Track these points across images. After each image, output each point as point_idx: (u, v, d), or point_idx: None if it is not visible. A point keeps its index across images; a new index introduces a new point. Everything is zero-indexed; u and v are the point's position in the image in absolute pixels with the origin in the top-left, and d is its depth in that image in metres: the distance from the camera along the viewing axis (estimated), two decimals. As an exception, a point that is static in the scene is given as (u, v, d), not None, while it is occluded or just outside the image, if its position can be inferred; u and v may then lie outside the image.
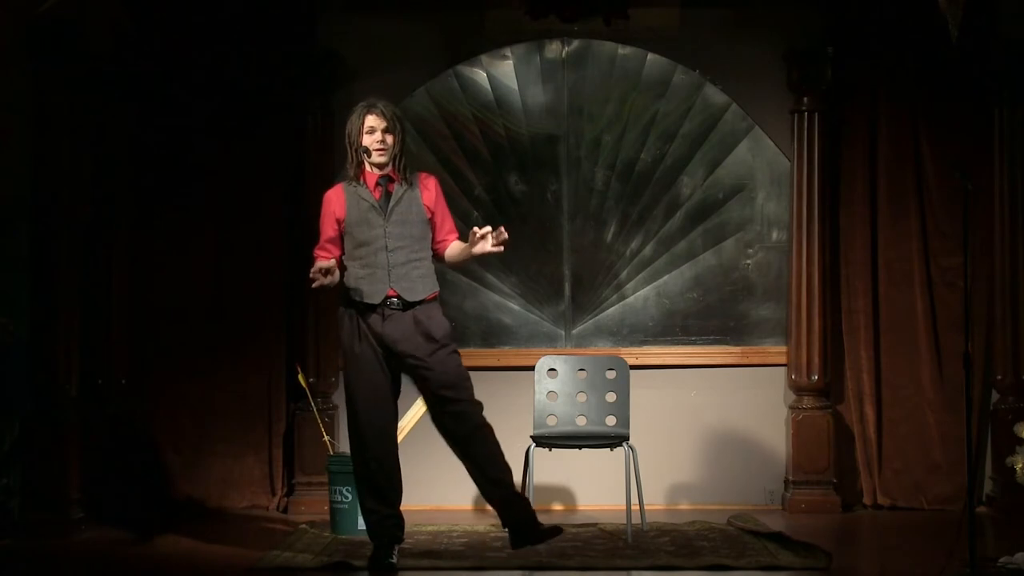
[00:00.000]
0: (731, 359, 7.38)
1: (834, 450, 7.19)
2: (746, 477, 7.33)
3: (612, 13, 6.92)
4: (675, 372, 7.36)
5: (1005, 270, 7.09)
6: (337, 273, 5.63)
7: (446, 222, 5.70)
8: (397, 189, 5.61)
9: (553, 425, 6.59)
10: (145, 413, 7.23)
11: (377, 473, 5.60)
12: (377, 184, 5.61)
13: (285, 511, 7.17)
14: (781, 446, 7.33)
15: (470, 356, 5.69)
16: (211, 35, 7.19)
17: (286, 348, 7.25)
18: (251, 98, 7.23)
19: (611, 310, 7.42)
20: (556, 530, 5.61)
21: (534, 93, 7.40)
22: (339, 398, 7.23)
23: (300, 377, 6.81)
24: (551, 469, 7.09)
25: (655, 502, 7.08)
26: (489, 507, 5.85)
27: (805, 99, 7.22)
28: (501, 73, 7.41)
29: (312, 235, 7.15)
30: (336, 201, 5.66)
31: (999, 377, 7.13)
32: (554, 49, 7.40)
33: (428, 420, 5.75)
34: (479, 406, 5.60)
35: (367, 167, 5.63)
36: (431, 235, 5.67)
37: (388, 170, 5.62)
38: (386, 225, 5.56)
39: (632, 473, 6.32)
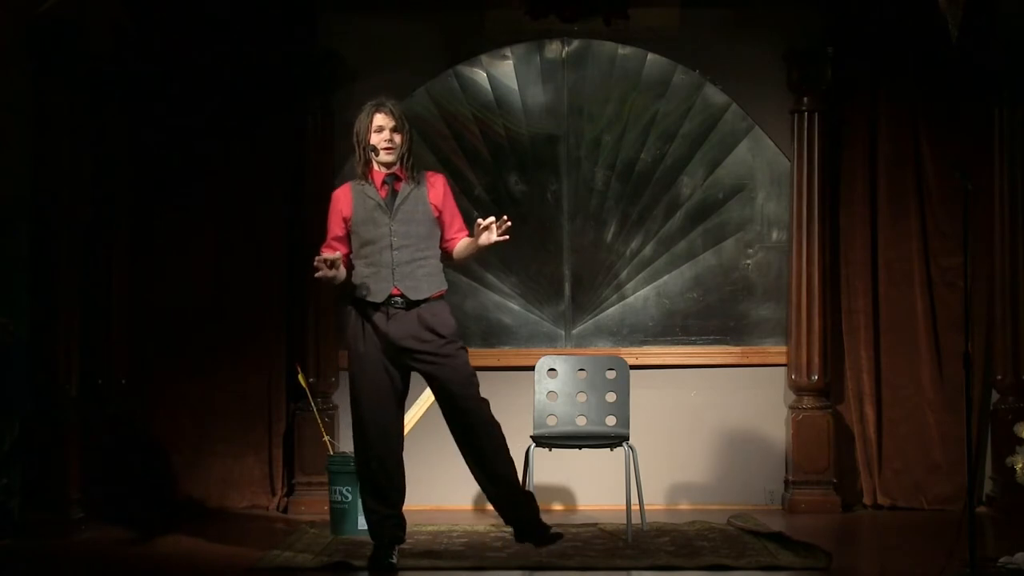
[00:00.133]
0: (731, 359, 7.38)
1: (834, 450, 7.19)
2: (746, 477, 7.33)
3: (612, 13, 6.92)
4: (675, 372, 7.36)
5: (1005, 270, 7.08)
6: (343, 269, 5.62)
7: (455, 220, 5.69)
8: (404, 188, 5.60)
9: (553, 425, 6.58)
10: (145, 413, 7.23)
11: (378, 472, 5.60)
12: (384, 183, 5.60)
13: (285, 511, 7.17)
14: (781, 446, 7.33)
15: (470, 356, 5.67)
16: (211, 35, 7.19)
17: (286, 348, 7.25)
18: (251, 98, 7.23)
19: (611, 310, 7.42)
20: (556, 536, 5.60)
21: (534, 93, 7.40)
22: (339, 398, 7.25)
23: (300, 377, 6.81)
24: (551, 469, 7.09)
25: (655, 502, 7.08)
26: (490, 507, 5.85)
27: (805, 99, 7.22)
28: (501, 73, 7.41)
29: (312, 235, 7.20)
30: (343, 200, 5.67)
31: (999, 377, 7.13)
32: (554, 49, 7.40)
33: (432, 419, 5.74)
34: (485, 403, 5.60)
35: (375, 166, 5.63)
36: (439, 234, 5.66)
37: (395, 169, 5.61)
38: (391, 223, 5.55)
39: (632, 473, 6.32)
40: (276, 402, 7.26)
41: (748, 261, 7.42)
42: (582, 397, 6.67)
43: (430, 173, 5.75)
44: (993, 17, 7.02)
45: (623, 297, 7.42)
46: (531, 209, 7.36)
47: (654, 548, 6.01)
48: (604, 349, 7.34)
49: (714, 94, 7.37)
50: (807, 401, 7.22)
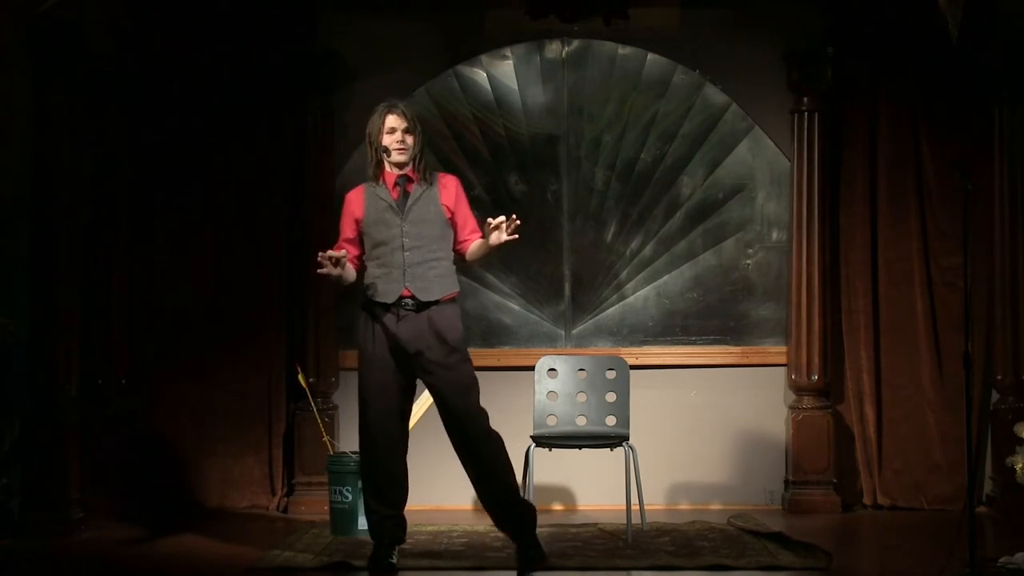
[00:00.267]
0: (731, 359, 7.38)
1: (834, 450, 7.19)
2: (746, 477, 7.33)
3: (612, 13, 6.92)
4: (675, 372, 7.36)
5: (1005, 270, 7.08)
6: (350, 269, 5.60)
7: (468, 222, 5.65)
8: (416, 189, 5.58)
9: (553, 425, 6.58)
10: (145, 413, 7.23)
11: (382, 473, 5.59)
12: (396, 184, 5.59)
13: (285, 511, 7.17)
14: (781, 446, 7.33)
15: (471, 356, 5.66)
16: (211, 35, 7.19)
17: (286, 348, 7.25)
18: (251, 98, 7.23)
19: (611, 310, 7.42)
20: (541, 557, 5.53)
21: (534, 93, 7.40)
22: (339, 398, 7.26)
23: (300, 377, 6.81)
24: (551, 469, 7.09)
25: (655, 502, 7.08)
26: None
27: (805, 99, 7.22)
28: (501, 73, 7.41)
29: (312, 235, 7.21)
30: (356, 201, 5.65)
31: (999, 377, 7.13)
32: (554, 49, 7.40)
33: (432, 419, 5.73)
34: (483, 415, 5.55)
35: (387, 167, 5.61)
36: (452, 235, 5.64)
37: (407, 170, 5.59)
38: (403, 224, 5.53)
39: (632, 473, 6.31)
40: (276, 402, 7.26)
41: (748, 261, 7.42)
42: (582, 397, 6.67)
43: (442, 174, 5.72)
44: (993, 17, 7.02)
45: (623, 297, 7.42)
46: (531, 209, 7.35)
47: (654, 548, 6.01)
48: (604, 349, 7.34)
49: (714, 94, 7.37)
50: (807, 401, 7.22)
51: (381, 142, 5.58)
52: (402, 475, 5.64)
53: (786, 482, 7.28)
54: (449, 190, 5.62)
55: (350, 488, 6.41)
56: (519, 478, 5.85)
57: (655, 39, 7.35)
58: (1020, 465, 6.20)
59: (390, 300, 5.52)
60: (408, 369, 5.56)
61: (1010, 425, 6.49)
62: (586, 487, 7.29)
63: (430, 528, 6.52)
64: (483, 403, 5.60)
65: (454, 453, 5.64)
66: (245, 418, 7.24)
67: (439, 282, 5.55)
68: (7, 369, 6.48)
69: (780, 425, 7.33)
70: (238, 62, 7.20)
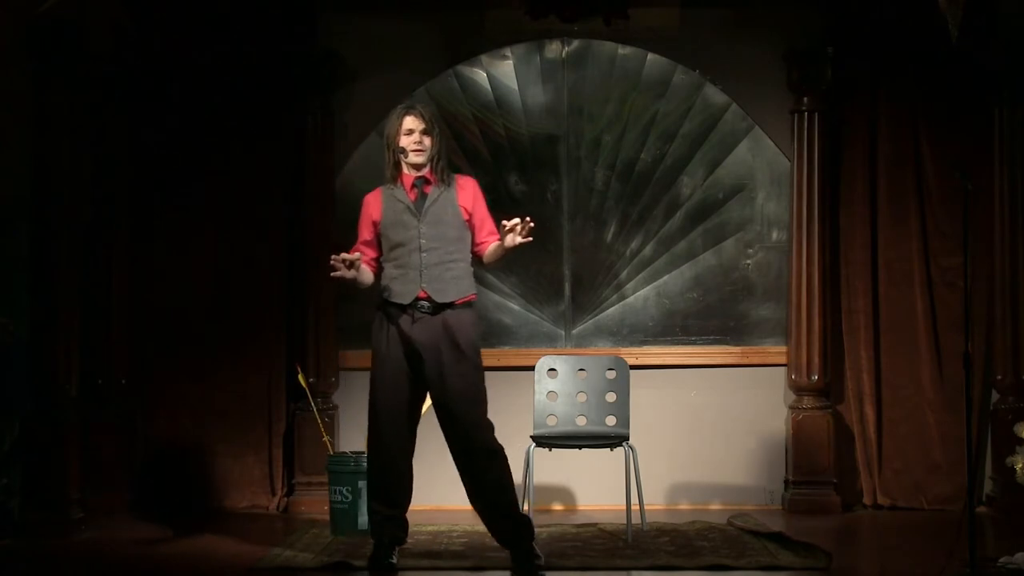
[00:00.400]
0: (731, 359, 7.38)
1: (834, 450, 7.18)
2: (746, 477, 7.33)
3: (612, 13, 6.92)
4: (675, 372, 7.36)
5: (1005, 270, 7.08)
6: (365, 271, 5.58)
7: (486, 224, 5.62)
8: (433, 191, 5.56)
9: (553, 425, 6.58)
10: (145, 413, 7.23)
11: (387, 474, 5.58)
12: (413, 185, 5.57)
13: (285, 511, 7.17)
14: (781, 446, 7.33)
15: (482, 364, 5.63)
16: (211, 35, 7.19)
17: (286, 348, 7.25)
18: (251, 98, 7.23)
19: (611, 310, 7.42)
20: (539, 568, 5.48)
21: (534, 93, 7.40)
22: (339, 398, 7.26)
23: (300, 377, 6.81)
24: (551, 469, 7.09)
25: (655, 502, 7.09)
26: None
27: (805, 99, 7.22)
28: (501, 73, 7.41)
29: (312, 235, 7.22)
30: (373, 204, 5.63)
31: (999, 377, 7.12)
32: (554, 49, 7.40)
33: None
34: (488, 428, 5.52)
35: (404, 169, 5.60)
36: (470, 237, 5.61)
37: (425, 171, 5.58)
38: (420, 226, 5.51)
39: (632, 473, 6.32)
40: (276, 402, 7.26)
41: (748, 261, 7.42)
42: (582, 397, 6.67)
43: (460, 176, 5.70)
44: (993, 17, 7.02)
45: (623, 297, 7.42)
46: (531, 209, 7.33)
47: (654, 548, 6.01)
48: (604, 349, 7.34)
49: (714, 94, 7.37)
50: (807, 401, 7.22)
51: (399, 143, 5.56)
52: (407, 476, 5.63)
53: (786, 482, 7.28)
54: (467, 192, 5.61)
55: (350, 488, 6.41)
56: (519, 479, 5.84)
57: (655, 39, 7.35)
58: (1020, 465, 6.20)
59: (406, 301, 5.50)
60: (420, 372, 5.54)
61: (1010, 425, 6.49)
62: (586, 487, 7.29)
63: (430, 528, 6.52)
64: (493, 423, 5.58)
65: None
66: (245, 418, 7.24)
67: (455, 284, 5.53)
68: (7, 369, 6.48)
69: (780, 425, 7.33)
70: (238, 62, 7.20)
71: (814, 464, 7.16)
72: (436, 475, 6.84)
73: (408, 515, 5.75)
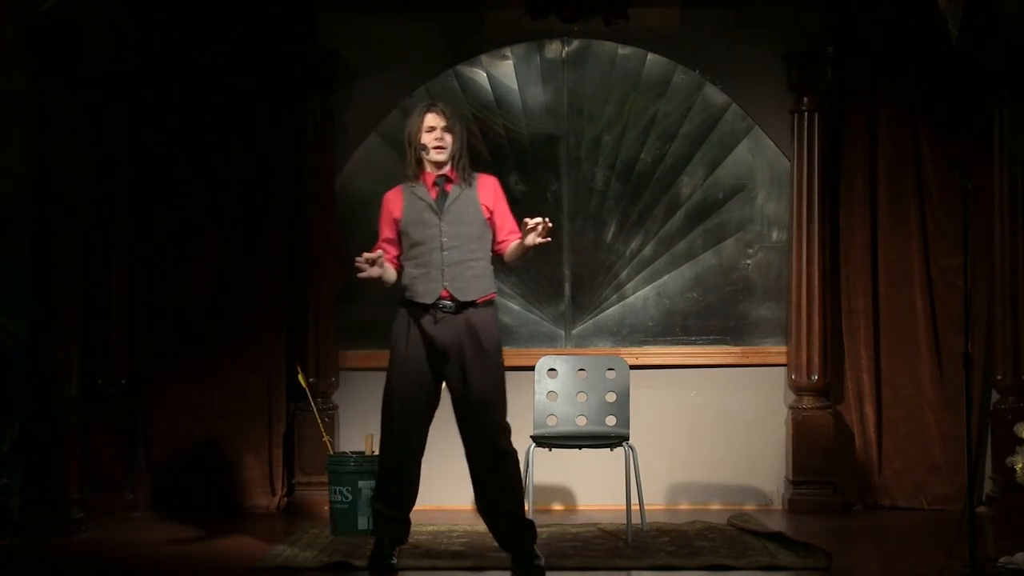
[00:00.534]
0: (731, 359, 7.38)
1: (834, 450, 7.18)
2: (746, 477, 7.33)
3: (612, 13, 6.92)
4: (675, 372, 7.36)
5: (1005, 270, 7.08)
6: (389, 268, 5.56)
7: (506, 223, 5.60)
8: (454, 189, 5.54)
9: (553, 425, 6.58)
10: (145, 413, 7.23)
11: (395, 474, 5.57)
12: (434, 183, 5.55)
13: (285, 511, 7.17)
14: (781, 446, 7.33)
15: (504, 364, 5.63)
16: (211, 35, 7.19)
17: (286, 348, 7.25)
18: (251, 98, 7.23)
19: (611, 310, 7.42)
20: (540, 570, 5.46)
21: (534, 93, 7.41)
22: (339, 398, 7.26)
23: (300, 377, 6.81)
24: (551, 469, 7.09)
25: (655, 502, 7.09)
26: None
27: (805, 99, 7.22)
28: (501, 73, 7.41)
29: (312, 235, 7.21)
30: (394, 201, 5.62)
31: (999, 377, 7.12)
32: (554, 49, 7.40)
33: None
34: (507, 431, 5.52)
35: (426, 167, 5.59)
36: (491, 236, 5.59)
37: (446, 170, 5.57)
38: (441, 224, 5.50)
39: (632, 473, 6.31)
40: (276, 402, 7.26)
41: (748, 261, 7.42)
42: (582, 397, 6.67)
43: (482, 175, 5.67)
44: (993, 17, 7.02)
45: (623, 297, 7.42)
46: (531, 209, 7.31)
47: (654, 548, 6.01)
48: (604, 349, 7.34)
49: (714, 94, 7.37)
50: (807, 401, 7.22)
51: (420, 140, 5.56)
52: (415, 477, 5.61)
53: (786, 482, 7.28)
54: (488, 190, 5.59)
55: (350, 488, 6.41)
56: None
57: (655, 39, 7.35)
58: (1020, 465, 6.20)
59: (429, 300, 5.48)
60: (441, 372, 5.53)
61: (1010, 425, 6.49)
62: (586, 487, 7.29)
63: (430, 528, 6.52)
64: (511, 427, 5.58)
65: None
66: (245, 418, 7.24)
67: (477, 282, 5.51)
68: (7, 369, 6.48)
69: (780, 425, 7.33)
70: (238, 62, 7.20)
71: (814, 464, 7.16)
72: (436, 475, 6.83)
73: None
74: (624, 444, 6.35)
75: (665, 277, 7.41)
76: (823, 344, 7.19)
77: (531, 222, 5.37)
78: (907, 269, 7.26)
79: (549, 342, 7.38)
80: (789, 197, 7.31)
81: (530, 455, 6.33)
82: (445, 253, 5.47)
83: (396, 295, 5.63)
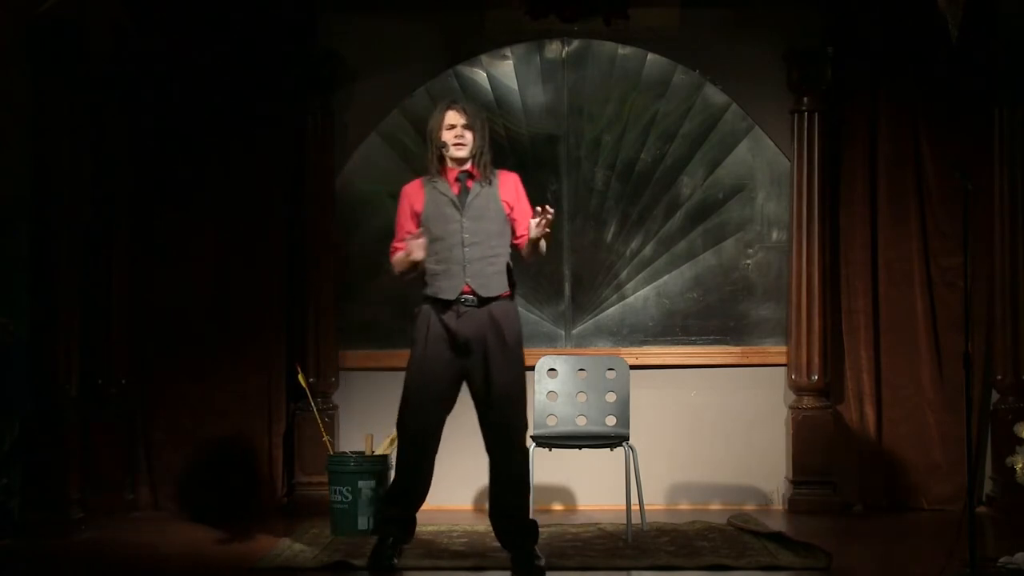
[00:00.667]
0: (731, 359, 7.38)
1: (834, 450, 7.18)
2: (746, 477, 7.33)
3: (612, 13, 6.92)
4: (675, 372, 7.36)
5: (1005, 270, 7.08)
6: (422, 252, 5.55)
7: (526, 218, 5.59)
8: (475, 186, 5.56)
9: (553, 425, 6.58)
10: (145, 413, 7.23)
11: (406, 474, 5.57)
12: (456, 179, 5.58)
13: (285, 511, 7.16)
14: (781, 446, 7.32)
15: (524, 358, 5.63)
16: (211, 35, 7.18)
17: (286, 348, 7.25)
18: (251, 98, 7.23)
19: (611, 310, 7.42)
20: (540, 571, 5.47)
21: (534, 93, 7.41)
22: (339, 398, 7.26)
23: (300, 377, 6.81)
24: (551, 469, 7.09)
25: (655, 502, 7.09)
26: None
27: (805, 99, 7.22)
28: (501, 73, 7.41)
29: (312, 235, 7.21)
30: (414, 194, 5.64)
31: (999, 377, 7.12)
32: (554, 49, 7.40)
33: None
34: (524, 428, 5.56)
35: (448, 163, 5.60)
36: (511, 232, 5.61)
37: (468, 166, 5.59)
38: (463, 220, 5.51)
39: (632, 473, 6.32)
40: (276, 402, 7.26)
41: (748, 261, 7.42)
42: (582, 397, 6.67)
43: (503, 172, 5.70)
44: (993, 17, 7.02)
45: (623, 297, 7.42)
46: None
47: (654, 548, 6.01)
48: (604, 349, 7.34)
49: (714, 94, 7.37)
50: (807, 401, 7.22)
51: (440, 137, 5.57)
52: (428, 477, 5.62)
53: (786, 482, 7.28)
54: (509, 186, 5.63)
55: (350, 488, 6.41)
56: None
57: (655, 39, 7.35)
58: (1020, 465, 6.20)
59: (451, 296, 5.50)
60: (462, 368, 5.53)
61: (1010, 425, 6.48)
62: (586, 487, 7.29)
63: (430, 528, 6.51)
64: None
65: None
66: (245, 418, 7.23)
67: (498, 278, 5.53)
68: (7, 369, 6.48)
69: (780, 425, 7.33)
70: (238, 62, 7.20)
71: (814, 464, 7.16)
72: (436, 475, 6.80)
73: (410, 515, 5.75)
74: (624, 444, 6.35)
75: (665, 277, 7.41)
76: (823, 344, 7.19)
77: (539, 210, 5.39)
78: (907, 269, 7.26)
79: (549, 342, 7.38)
80: (789, 197, 7.31)
81: (530, 455, 6.31)
82: (467, 249, 5.49)
83: (420, 291, 5.60)
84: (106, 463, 7.00)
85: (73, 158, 6.69)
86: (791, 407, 7.26)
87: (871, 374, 7.26)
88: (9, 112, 6.62)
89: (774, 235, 7.40)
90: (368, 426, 6.88)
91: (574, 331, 7.41)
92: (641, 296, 7.42)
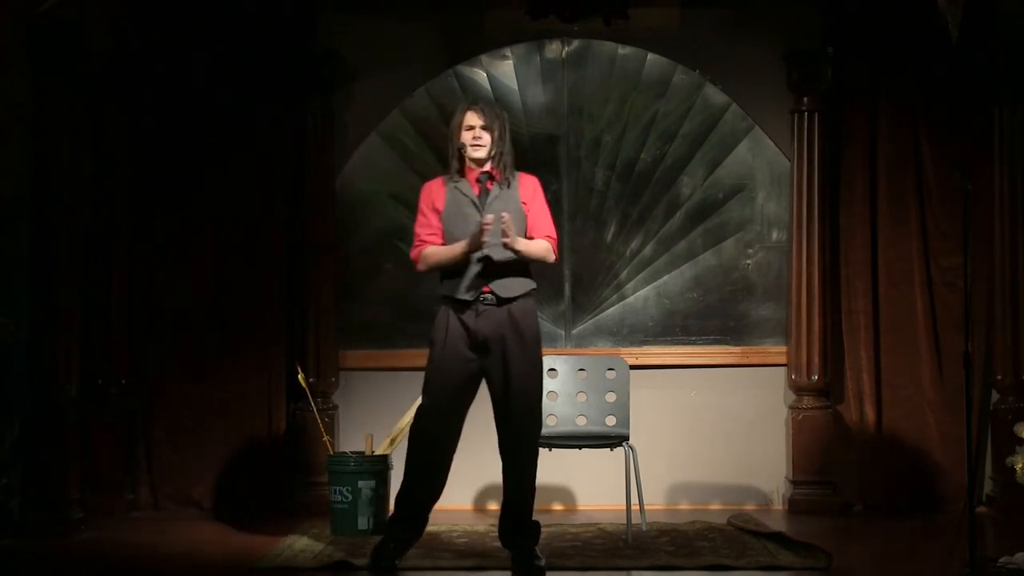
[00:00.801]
0: (731, 359, 7.38)
1: (834, 450, 7.18)
2: (746, 477, 7.33)
3: (612, 13, 6.92)
4: (675, 372, 7.36)
5: (1005, 270, 7.08)
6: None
7: (539, 220, 5.62)
8: (495, 187, 5.58)
9: (553, 425, 6.58)
10: (145, 413, 7.23)
11: (420, 472, 5.57)
12: (477, 180, 5.59)
13: (285, 511, 7.16)
14: (781, 446, 7.32)
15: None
16: (211, 35, 7.19)
17: (286, 348, 7.24)
18: (251, 98, 7.23)
19: (611, 310, 7.42)
20: (540, 571, 5.47)
21: (534, 93, 7.41)
22: (339, 398, 7.26)
23: (300, 377, 6.80)
24: (551, 469, 7.06)
25: (655, 502, 7.09)
26: (490, 506, 5.83)
27: (805, 99, 7.22)
28: (501, 73, 7.41)
29: (312, 235, 7.21)
30: (436, 192, 5.64)
31: (999, 377, 7.13)
32: (554, 49, 7.40)
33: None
34: (539, 429, 5.58)
35: (468, 164, 5.61)
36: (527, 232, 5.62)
37: (489, 167, 5.60)
38: (483, 221, 5.52)
39: (632, 473, 6.32)
40: (276, 402, 7.26)
41: (748, 261, 7.42)
42: (582, 397, 6.67)
43: (523, 174, 5.71)
44: (993, 17, 7.02)
45: (623, 297, 7.42)
46: (531, 209, 7.35)
47: (654, 548, 6.01)
48: (604, 349, 7.34)
49: (714, 94, 7.37)
50: (807, 401, 7.22)
51: (459, 139, 5.58)
52: (440, 479, 5.63)
53: (786, 482, 7.28)
54: (527, 188, 5.64)
55: (350, 488, 6.41)
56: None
57: (655, 39, 7.35)
58: (1020, 465, 6.20)
59: (471, 297, 5.51)
60: (481, 367, 5.53)
61: (1010, 425, 6.49)
62: (586, 487, 7.29)
63: (430, 528, 6.47)
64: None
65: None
66: (245, 418, 7.23)
67: (517, 278, 5.55)
68: (7, 369, 6.48)
69: (780, 425, 7.33)
70: (238, 62, 7.20)
71: (814, 464, 7.16)
72: (436, 475, 6.84)
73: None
74: (624, 444, 6.36)
75: (665, 277, 7.41)
76: (823, 344, 7.19)
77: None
78: (907, 269, 7.26)
79: (549, 342, 7.37)
80: (789, 197, 7.31)
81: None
82: (486, 250, 5.49)
83: (438, 291, 5.59)
84: (106, 463, 7.00)
85: (73, 158, 6.69)
86: (791, 407, 7.26)
87: (871, 374, 7.26)
88: (9, 112, 6.62)
89: (774, 235, 7.40)
90: (368, 426, 6.88)
91: (574, 331, 7.41)
92: (641, 296, 7.42)
